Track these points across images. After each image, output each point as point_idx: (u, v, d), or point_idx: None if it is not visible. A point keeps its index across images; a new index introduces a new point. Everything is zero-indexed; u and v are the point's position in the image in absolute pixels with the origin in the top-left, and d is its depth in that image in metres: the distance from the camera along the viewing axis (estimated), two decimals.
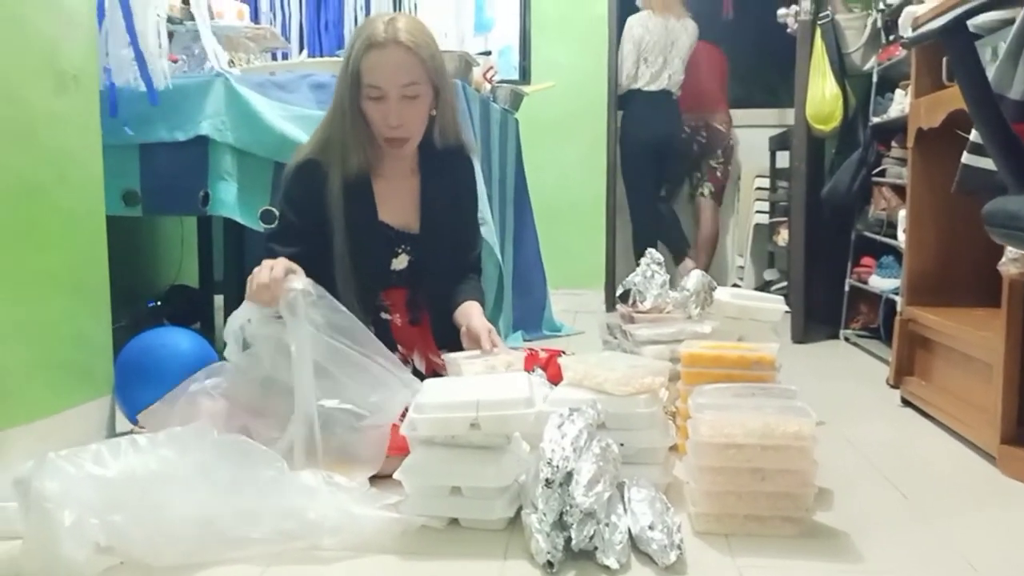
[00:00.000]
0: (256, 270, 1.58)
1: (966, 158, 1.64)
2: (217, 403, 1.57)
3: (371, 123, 1.81)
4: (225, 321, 2.35)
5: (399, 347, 1.87)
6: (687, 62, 4.09)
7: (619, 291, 2.06)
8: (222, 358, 2.02)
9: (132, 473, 1.24)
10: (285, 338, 1.53)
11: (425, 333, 1.93)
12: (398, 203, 1.90)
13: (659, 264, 2.04)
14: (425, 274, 1.91)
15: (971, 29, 1.28)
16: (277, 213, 1.91)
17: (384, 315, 1.89)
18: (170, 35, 2.28)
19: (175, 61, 2.48)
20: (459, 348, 1.93)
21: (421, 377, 1.58)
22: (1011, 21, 1.72)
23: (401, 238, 1.90)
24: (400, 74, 1.76)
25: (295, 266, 1.61)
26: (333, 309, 1.56)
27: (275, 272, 1.56)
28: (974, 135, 1.61)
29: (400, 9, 3.82)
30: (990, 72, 1.49)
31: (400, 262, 1.90)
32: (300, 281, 1.56)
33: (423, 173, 1.93)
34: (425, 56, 1.78)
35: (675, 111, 4.05)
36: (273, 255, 1.67)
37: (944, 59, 2.15)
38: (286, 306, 1.53)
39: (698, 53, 4.38)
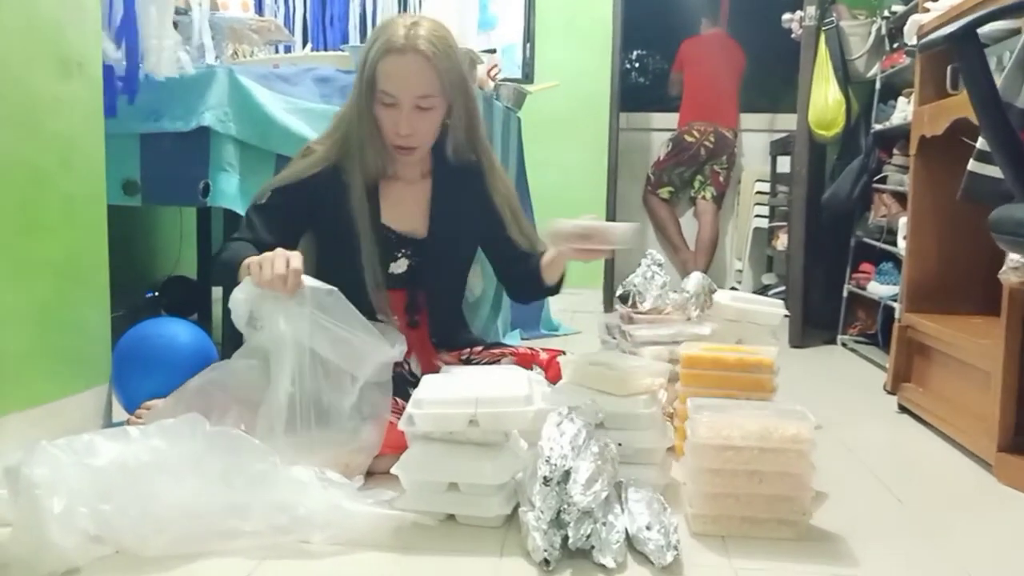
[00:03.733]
0: (269, 256, 1.52)
1: (972, 165, 1.64)
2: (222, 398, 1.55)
3: (381, 128, 1.77)
4: (224, 313, 2.36)
5: None
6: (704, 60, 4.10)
7: (619, 292, 2.06)
8: (220, 349, 2.03)
9: (123, 463, 1.24)
10: (282, 324, 1.51)
11: (423, 336, 1.91)
12: (404, 207, 1.87)
13: (659, 265, 2.04)
14: (426, 278, 1.88)
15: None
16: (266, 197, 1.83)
17: (381, 317, 1.87)
18: (174, 25, 2.26)
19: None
20: (457, 350, 1.93)
21: (419, 380, 1.57)
22: (1018, 31, 1.72)
23: (403, 242, 1.86)
24: (415, 84, 1.71)
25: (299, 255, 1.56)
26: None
27: (293, 265, 1.51)
28: (981, 142, 1.61)
29: (405, 5, 3.81)
30: (997, 81, 1.48)
31: (399, 266, 1.86)
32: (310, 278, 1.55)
33: (435, 178, 1.89)
34: (442, 68, 1.72)
35: None
36: (252, 229, 1.74)
37: (948, 67, 2.16)
38: (297, 298, 1.51)
39: (719, 52, 4.38)
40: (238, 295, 1.53)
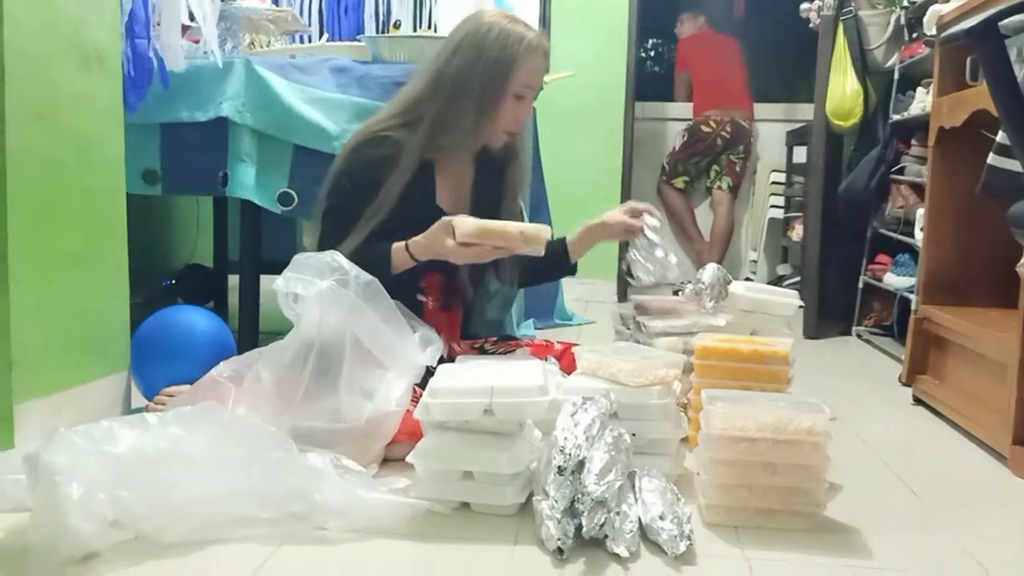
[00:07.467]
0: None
1: (992, 159, 1.62)
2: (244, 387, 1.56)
3: (499, 118, 1.85)
4: (241, 301, 2.37)
5: None
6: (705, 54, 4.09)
7: (624, 267, 2.06)
8: (236, 336, 2.04)
9: (141, 450, 1.25)
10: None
11: (454, 320, 1.94)
12: (454, 190, 1.93)
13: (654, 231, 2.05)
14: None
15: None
16: (330, 190, 1.87)
17: (420, 297, 1.89)
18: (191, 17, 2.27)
19: (196, 42, 2.49)
20: (471, 339, 1.94)
21: (443, 363, 1.58)
22: None
23: None
24: (542, 79, 1.92)
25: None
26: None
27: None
28: (1000, 136, 1.59)
29: None
30: (1018, 72, 1.47)
31: None
32: None
33: (478, 164, 1.96)
34: None
35: None
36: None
37: (968, 58, 2.14)
38: (339, 279, 1.53)
39: (719, 46, 4.36)
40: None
